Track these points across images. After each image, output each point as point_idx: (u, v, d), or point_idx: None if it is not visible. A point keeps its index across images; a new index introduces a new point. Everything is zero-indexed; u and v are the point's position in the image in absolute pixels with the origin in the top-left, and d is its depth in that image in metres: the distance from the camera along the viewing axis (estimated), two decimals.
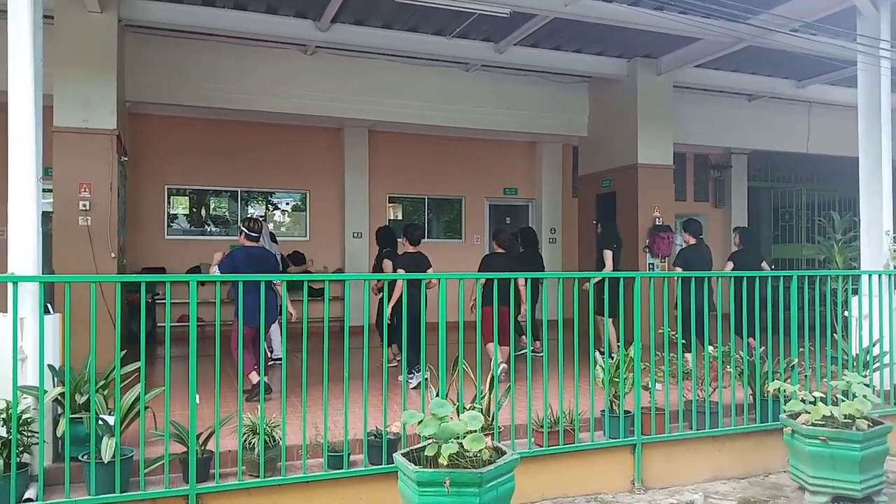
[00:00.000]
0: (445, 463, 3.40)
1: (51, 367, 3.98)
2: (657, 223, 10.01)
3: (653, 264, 9.88)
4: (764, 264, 7.87)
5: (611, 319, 7.55)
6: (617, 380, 4.91)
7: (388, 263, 7.44)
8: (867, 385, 5.13)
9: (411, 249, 7.00)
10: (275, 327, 7.53)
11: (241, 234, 6.37)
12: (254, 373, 5.83)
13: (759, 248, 8.87)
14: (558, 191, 13.15)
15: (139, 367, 3.97)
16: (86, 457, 3.76)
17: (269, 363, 7.04)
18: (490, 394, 4.59)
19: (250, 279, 4.98)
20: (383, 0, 7.54)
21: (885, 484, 4.70)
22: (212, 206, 11.87)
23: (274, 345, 7.77)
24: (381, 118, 10.24)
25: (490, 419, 4.48)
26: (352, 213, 11.83)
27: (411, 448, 3.71)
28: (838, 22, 7.13)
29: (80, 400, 4.00)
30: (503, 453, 3.65)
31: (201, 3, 7.86)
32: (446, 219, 13.12)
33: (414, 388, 6.15)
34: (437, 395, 4.30)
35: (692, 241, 7.60)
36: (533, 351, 6.41)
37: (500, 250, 7.16)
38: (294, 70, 9.37)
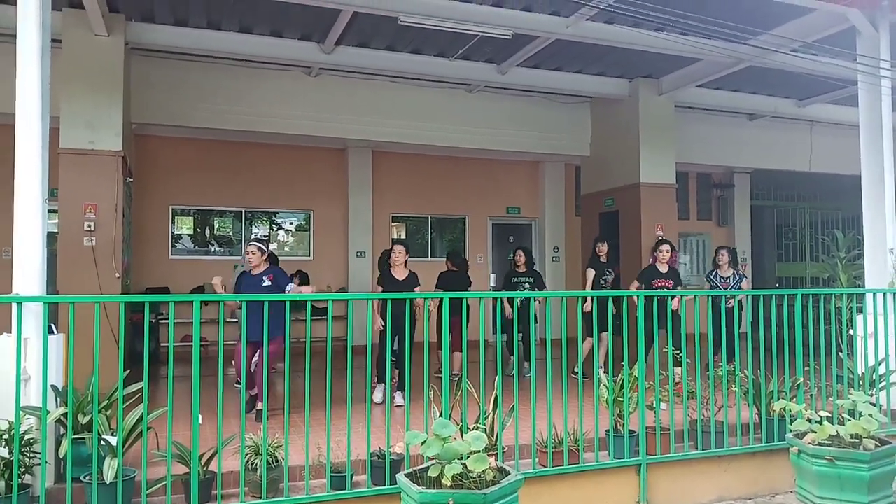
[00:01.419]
0: (449, 484, 3.38)
1: (54, 387, 3.98)
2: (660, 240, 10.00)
3: None
4: (745, 283, 8.24)
5: (602, 335, 7.55)
6: (621, 399, 4.89)
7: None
8: (873, 404, 5.08)
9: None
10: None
11: (265, 255, 6.42)
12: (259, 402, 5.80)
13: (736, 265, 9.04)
14: (561, 210, 13.17)
15: (142, 388, 3.97)
16: (88, 478, 3.75)
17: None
18: (494, 414, 4.57)
19: (273, 299, 4.85)
20: (386, 23, 7.63)
21: None
22: (216, 226, 11.92)
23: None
24: (385, 138, 10.31)
25: (494, 439, 4.46)
26: (355, 233, 11.86)
27: (415, 469, 3.68)
28: (838, 42, 7.19)
29: (83, 420, 4.00)
30: (507, 474, 3.63)
31: (207, 27, 7.97)
32: (449, 238, 13.14)
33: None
34: (441, 416, 4.28)
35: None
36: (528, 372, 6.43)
37: (454, 268, 8.16)
38: (298, 91, 9.46)
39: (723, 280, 8.26)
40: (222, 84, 9.08)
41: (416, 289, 6.69)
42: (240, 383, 7.10)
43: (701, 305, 6.59)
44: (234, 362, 5.91)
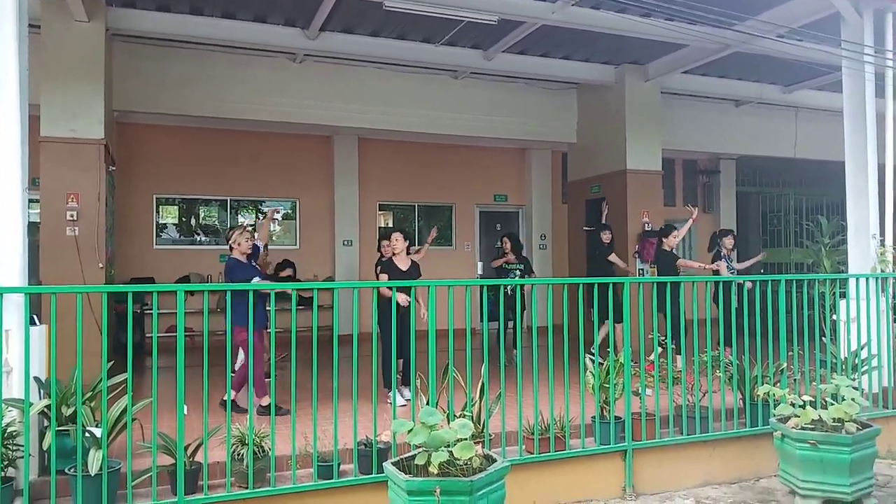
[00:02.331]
0: (436, 471, 3.39)
1: (37, 379, 3.94)
2: (646, 228, 10.05)
3: (643, 269, 9.91)
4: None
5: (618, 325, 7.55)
6: (607, 385, 4.91)
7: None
8: (855, 388, 5.14)
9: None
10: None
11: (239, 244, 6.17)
12: (266, 396, 5.65)
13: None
14: (548, 197, 13.18)
15: (126, 379, 3.94)
16: (72, 470, 3.72)
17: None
18: (480, 401, 4.58)
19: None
20: (371, 8, 7.56)
21: (874, 487, 4.71)
22: (201, 215, 11.82)
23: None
24: (371, 126, 10.26)
25: (480, 427, 4.47)
26: (342, 221, 11.81)
27: (402, 457, 3.69)
28: (823, 28, 7.21)
29: (67, 412, 3.96)
30: (494, 461, 3.64)
31: (189, 12, 7.87)
32: (437, 226, 13.10)
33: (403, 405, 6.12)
34: (427, 404, 4.28)
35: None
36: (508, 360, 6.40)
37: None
38: (283, 78, 9.37)
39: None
40: (206, 71, 8.98)
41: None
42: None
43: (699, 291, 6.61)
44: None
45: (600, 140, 10.62)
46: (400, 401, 6.08)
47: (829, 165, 9.27)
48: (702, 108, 11.67)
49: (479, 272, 12.94)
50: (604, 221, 9.50)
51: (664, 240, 8.03)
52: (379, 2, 7.06)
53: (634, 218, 10.01)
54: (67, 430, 3.88)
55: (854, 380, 5.48)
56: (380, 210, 12.51)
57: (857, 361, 5.81)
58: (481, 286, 6.62)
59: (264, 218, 9.02)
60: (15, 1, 4.14)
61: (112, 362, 4.00)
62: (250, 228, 6.62)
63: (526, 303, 8.09)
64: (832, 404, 4.70)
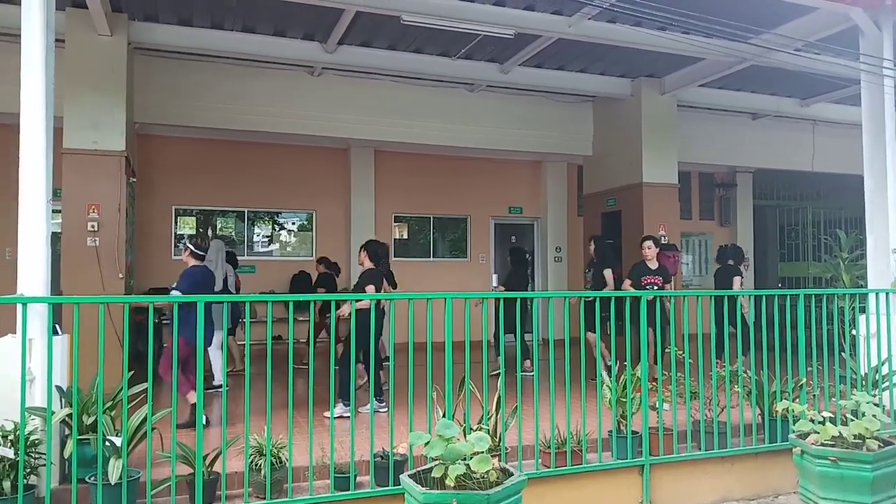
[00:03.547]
0: (452, 484, 3.38)
1: (58, 388, 3.99)
2: (663, 242, 10.00)
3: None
4: (735, 280, 8.10)
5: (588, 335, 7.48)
6: (624, 399, 4.89)
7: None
8: (876, 404, 5.09)
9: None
10: (215, 353, 7.36)
11: (186, 251, 6.13)
12: (192, 392, 5.67)
13: (736, 264, 9.04)
14: (564, 209, 13.16)
15: (146, 388, 3.98)
16: (92, 478, 3.76)
17: (209, 390, 6.98)
18: (497, 414, 4.57)
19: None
20: (389, 22, 7.63)
21: None
22: (219, 226, 11.92)
23: (214, 371, 7.57)
24: (387, 138, 10.33)
25: (497, 440, 4.46)
26: (357, 233, 11.84)
27: (418, 469, 3.68)
28: (841, 41, 7.18)
29: (88, 421, 4.00)
30: (510, 474, 3.63)
31: (210, 26, 7.99)
32: (451, 238, 13.14)
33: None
34: (444, 416, 4.29)
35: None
36: (523, 370, 6.35)
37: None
38: (301, 91, 9.47)
39: None
40: (225, 84, 9.09)
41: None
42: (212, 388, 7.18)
43: (704, 304, 6.59)
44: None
45: (616, 153, 10.61)
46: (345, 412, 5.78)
47: (848, 179, 9.22)
48: (718, 121, 11.63)
49: (494, 284, 12.92)
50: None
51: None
52: (396, 16, 7.13)
53: (651, 231, 9.93)
54: (88, 439, 3.93)
55: (875, 396, 5.42)
56: (395, 221, 12.54)
57: (877, 377, 5.75)
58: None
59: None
60: (42, 16, 4.24)
61: (132, 372, 4.04)
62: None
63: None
64: (852, 420, 4.64)
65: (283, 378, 4.41)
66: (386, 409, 5.42)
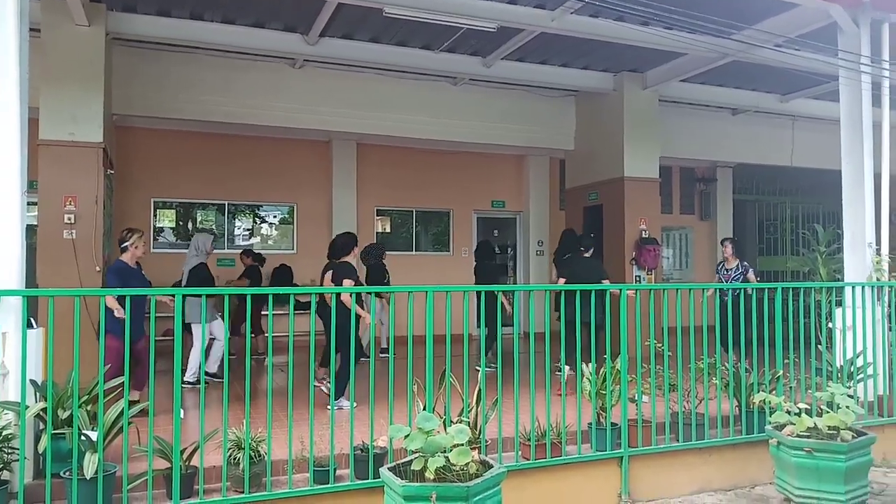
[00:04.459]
0: (432, 477, 3.39)
1: (33, 382, 3.93)
2: (643, 236, 10.07)
3: (639, 276, 9.93)
4: (750, 274, 8.07)
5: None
6: (604, 392, 4.92)
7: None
8: (851, 396, 5.17)
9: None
10: (217, 345, 7.61)
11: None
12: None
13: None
14: (546, 204, 13.21)
15: (123, 382, 3.94)
16: (68, 473, 3.72)
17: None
18: (477, 407, 4.58)
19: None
20: (371, 15, 7.59)
21: (869, 495, 4.72)
22: (199, 219, 11.82)
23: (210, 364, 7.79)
24: (370, 131, 10.27)
25: (477, 432, 4.47)
26: (339, 226, 11.74)
27: (398, 462, 3.69)
28: (820, 38, 7.25)
29: (63, 415, 3.96)
30: (490, 467, 3.64)
31: (189, 17, 7.89)
32: (434, 231, 13.14)
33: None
34: (425, 409, 4.29)
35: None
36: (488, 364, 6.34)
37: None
38: (282, 83, 9.40)
39: (726, 272, 8.30)
40: (205, 75, 9.00)
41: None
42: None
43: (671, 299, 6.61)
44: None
45: (598, 147, 10.65)
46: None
47: (826, 174, 9.31)
48: (699, 117, 11.71)
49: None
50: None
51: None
52: (379, 8, 7.09)
53: (632, 225, 10.03)
54: (63, 434, 3.88)
55: (850, 388, 5.50)
56: (377, 215, 12.51)
57: (852, 369, 5.83)
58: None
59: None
60: (16, 3, 4.16)
61: (108, 366, 3.99)
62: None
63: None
64: (828, 412, 4.71)
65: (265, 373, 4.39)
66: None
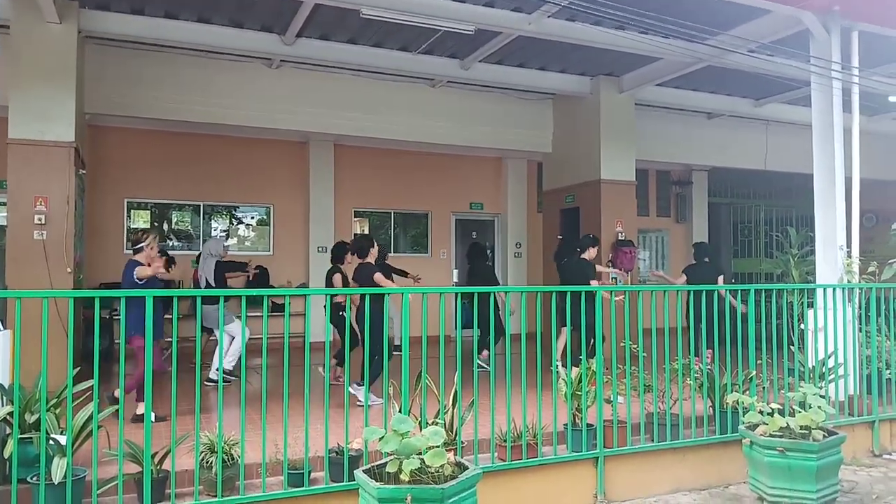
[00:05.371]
0: (407, 479, 3.37)
1: (0, 385, 3.85)
2: (620, 238, 10.14)
3: (616, 278, 9.99)
4: (721, 278, 8.13)
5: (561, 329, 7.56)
6: (580, 393, 4.93)
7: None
8: (822, 396, 5.24)
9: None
10: (236, 342, 7.50)
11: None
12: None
13: (715, 261, 9.18)
14: (523, 206, 13.26)
15: (92, 385, 3.87)
16: (35, 478, 3.64)
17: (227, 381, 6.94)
18: (453, 408, 4.57)
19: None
20: (349, 16, 7.56)
21: (839, 493, 4.80)
22: (174, 220, 11.69)
23: (229, 357, 7.62)
24: (347, 132, 10.21)
25: (453, 434, 4.46)
26: (317, 228, 11.74)
27: (373, 464, 3.67)
28: (793, 44, 7.37)
29: (31, 419, 3.88)
30: (465, 468, 3.64)
31: (164, 16, 7.79)
32: (413, 233, 13.12)
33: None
34: (400, 411, 4.27)
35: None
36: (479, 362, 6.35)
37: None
38: (258, 83, 9.32)
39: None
40: (180, 75, 8.89)
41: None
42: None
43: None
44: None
45: (575, 150, 10.71)
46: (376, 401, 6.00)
47: (798, 178, 9.46)
48: (675, 120, 11.83)
49: (455, 280, 12.95)
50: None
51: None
52: (356, 9, 7.06)
53: (608, 227, 10.09)
54: (31, 438, 3.80)
55: (821, 388, 5.58)
56: (355, 217, 12.47)
57: (824, 370, 5.92)
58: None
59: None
60: None
61: (78, 369, 3.92)
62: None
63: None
64: (800, 412, 4.78)
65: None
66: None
